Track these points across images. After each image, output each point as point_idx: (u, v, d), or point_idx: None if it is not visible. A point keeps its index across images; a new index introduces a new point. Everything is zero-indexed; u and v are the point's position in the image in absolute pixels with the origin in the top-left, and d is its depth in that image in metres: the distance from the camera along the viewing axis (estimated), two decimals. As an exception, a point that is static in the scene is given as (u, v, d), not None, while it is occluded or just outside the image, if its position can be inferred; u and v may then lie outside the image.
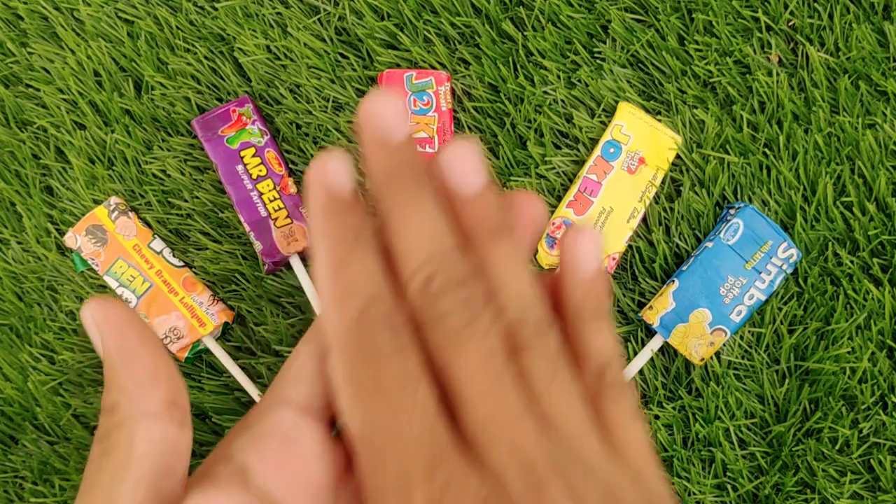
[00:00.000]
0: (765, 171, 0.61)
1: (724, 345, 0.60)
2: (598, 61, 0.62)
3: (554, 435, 0.19)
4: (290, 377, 0.20)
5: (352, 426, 0.19)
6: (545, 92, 0.62)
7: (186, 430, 0.19)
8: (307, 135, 0.62)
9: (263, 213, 0.60)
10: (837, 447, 0.59)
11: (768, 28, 0.62)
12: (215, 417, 0.60)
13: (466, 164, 0.20)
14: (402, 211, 0.19)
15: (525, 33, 0.62)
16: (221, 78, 0.63)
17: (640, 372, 0.60)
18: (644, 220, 0.61)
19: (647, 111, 0.62)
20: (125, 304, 0.23)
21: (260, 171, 0.60)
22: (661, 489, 0.20)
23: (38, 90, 0.64)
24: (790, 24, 0.62)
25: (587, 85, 0.61)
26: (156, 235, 0.62)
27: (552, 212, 0.61)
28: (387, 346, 0.18)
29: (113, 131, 0.63)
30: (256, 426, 0.19)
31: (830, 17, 0.61)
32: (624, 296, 0.61)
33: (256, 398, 0.60)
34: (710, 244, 0.58)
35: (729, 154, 0.61)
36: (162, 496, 0.18)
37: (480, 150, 0.20)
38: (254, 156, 0.60)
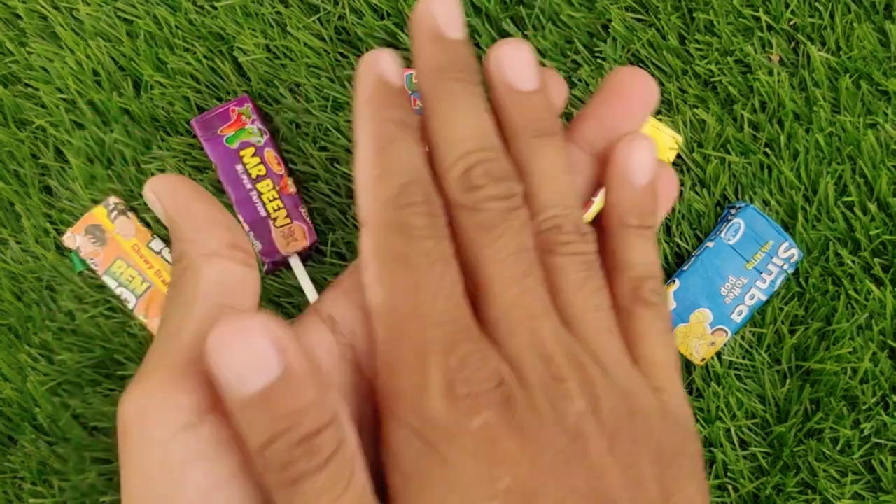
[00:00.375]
0: (766, 170, 0.61)
1: (724, 345, 0.59)
2: (598, 61, 0.62)
3: (575, 335, 0.19)
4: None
5: (374, 301, 0.18)
6: (545, 91, 0.61)
7: (251, 269, 0.20)
8: (307, 134, 0.62)
9: (263, 212, 0.59)
10: (839, 448, 0.59)
11: (769, 27, 0.61)
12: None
13: (522, 61, 0.20)
14: (449, 104, 0.19)
15: (525, 32, 0.62)
16: (221, 77, 0.63)
17: (641, 372, 0.60)
18: (645, 219, 0.61)
19: (648, 111, 0.61)
20: (181, 174, 0.24)
21: (259, 170, 0.60)
22: (682, 409, 0.20)
23: (37, 89, 0.63)
24: (791, 23, 0.62)
25: (588, 84, 0.61)
26: (155, 235, 0.61)
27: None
28: (421, 226, 0.18)
29: (112, 131, 0.63)
30: (346, 281, 0.20)
31: (832, 16, 0.61)
32: (624, 296, 0.61)
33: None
34: (710, 244, 0.58)
35: (730, 153, 0.61)
36: None
37: (533, 50, 0.20)
38: (253, 155, 0.60)
